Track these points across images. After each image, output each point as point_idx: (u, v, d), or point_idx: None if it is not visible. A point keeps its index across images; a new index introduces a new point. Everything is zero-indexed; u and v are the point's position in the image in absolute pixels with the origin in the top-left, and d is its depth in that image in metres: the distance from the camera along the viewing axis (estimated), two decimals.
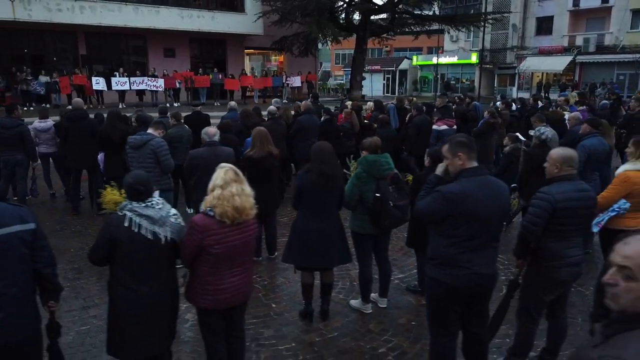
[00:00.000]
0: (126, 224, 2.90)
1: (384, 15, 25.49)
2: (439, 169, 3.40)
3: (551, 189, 3.40)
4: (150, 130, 5.69)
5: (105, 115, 7.78)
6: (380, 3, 23.99)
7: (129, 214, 2.92)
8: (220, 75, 22.05)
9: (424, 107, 10.56)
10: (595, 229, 4.44)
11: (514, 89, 36.07)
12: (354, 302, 4.85)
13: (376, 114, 10.74)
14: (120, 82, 19.57)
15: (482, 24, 24.63)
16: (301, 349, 4.12)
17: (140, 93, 20.30)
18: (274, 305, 4.91)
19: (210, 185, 3.10)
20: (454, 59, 41.24)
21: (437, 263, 3.19)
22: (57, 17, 18.92)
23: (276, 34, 23.75)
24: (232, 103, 10.17)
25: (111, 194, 3.58)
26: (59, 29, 20.01)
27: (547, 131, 5.99)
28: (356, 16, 24.58)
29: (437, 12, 31.40)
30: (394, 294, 5.10)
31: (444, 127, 8.62)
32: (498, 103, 12.12)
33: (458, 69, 42.25)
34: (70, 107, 8.58)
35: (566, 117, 9.13)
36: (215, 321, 3.24)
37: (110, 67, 21.62)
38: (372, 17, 24.51)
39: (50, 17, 18.76)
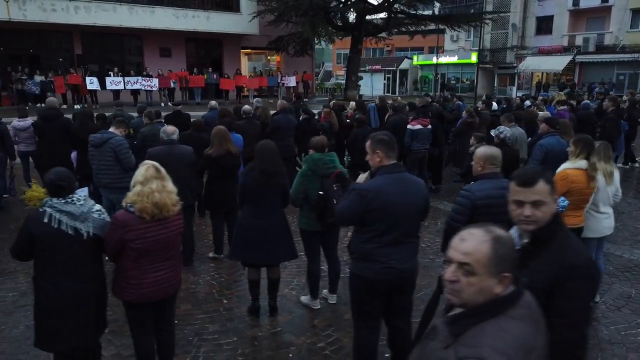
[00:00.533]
0: (46, 220, 2.98)
1: (382, 15, 25.55)
2: (360, 178, 3.45)
3: (472, 187, 3.47)
4: (111, 129, 5.78)
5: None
6: (376, 3, 24.01)
7: (48, 210, 3.01)
8: (215, 75, 22.21)
9: (407, 106, 10.64)
10: None
11: (514, 88, 36.02)
12: (304, 298, 4.93)
13: (357, 113, 10.84)
14: (114, 82, 19.75)
15: (479, 23, 24.61)
16: (241, 343, 4.20)
17: (135, 93, 20.44)
18: (225, 302, 4.99)
19: (132, 182, 3.18)
20: (454, 59, 41.23)
21: (355, 258, 3.26)
22: (52, 17, 19.12)
23: (273, 33, 23.85)
24: (213, 102, 10.26)
25: (33, 191, 3.66)
26: (54, 28, 20.21)
27: (506, 130, 6.05)
28: (352, 16, 24.61)
29: (436, 12, 31.42)
30: (346, 290, 5.15)
31: (418, 126, 8.67)
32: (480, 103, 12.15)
33: (458, 69, 42.23)
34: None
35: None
36: (140, 314, 3.33)
37: (106, 67, 21.78)
38: (367, 17, 24.55)
39: (46, 17, 18.96)
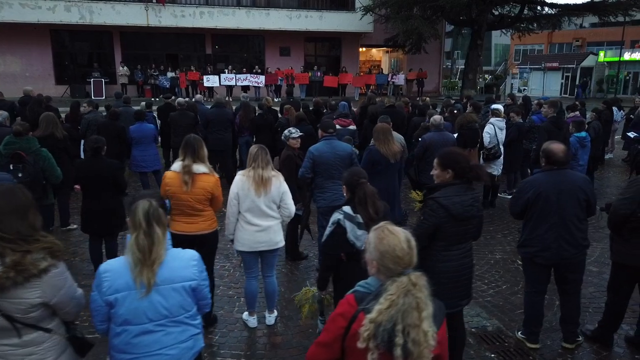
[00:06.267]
0: None
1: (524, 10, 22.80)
2: None
3: None
4: None
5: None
6: None
7: None
8: (319, 73, 22.96)
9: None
10: None
11: None
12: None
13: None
14: (227, 78, 22.10)
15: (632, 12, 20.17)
16: None
17: (245, 88, 22.45)
18: None
19: None
20: None
21: None
22: (182, 22, 22.34)
23: (392, 30, 23.41)
24: (198, 96, 11.06)
25: None
26: (187, 32, 23.49)
27: (292, 130, 5.64)
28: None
29: None
30: None
31: (337, 126, 8.14)
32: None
33: None
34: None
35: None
36: None
37: (232, 65, 24.34)
38: (494, 11, 22.30)
39: (176, 22, 22.24)
